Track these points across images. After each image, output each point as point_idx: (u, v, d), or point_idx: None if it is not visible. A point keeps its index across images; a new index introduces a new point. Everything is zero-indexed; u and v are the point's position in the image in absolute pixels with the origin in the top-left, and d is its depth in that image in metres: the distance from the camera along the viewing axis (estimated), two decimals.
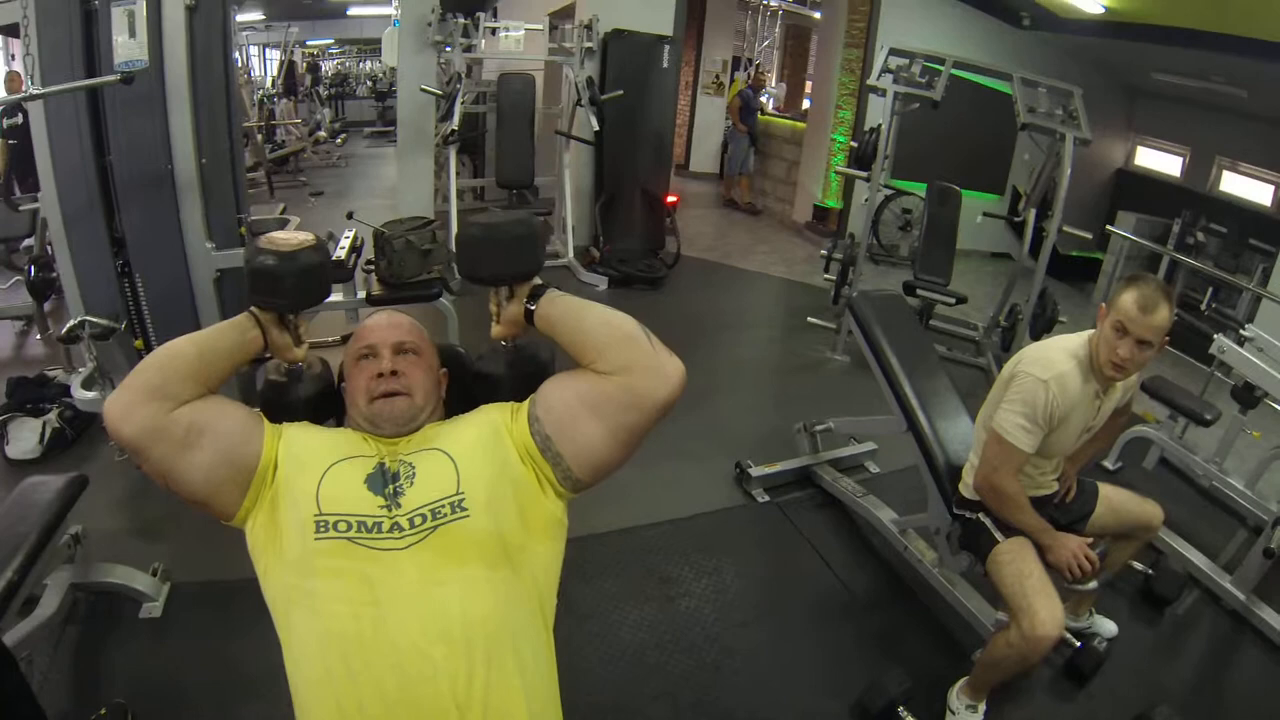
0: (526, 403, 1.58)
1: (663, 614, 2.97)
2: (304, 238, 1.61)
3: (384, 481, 1.43)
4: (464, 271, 1.69)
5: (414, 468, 1.46)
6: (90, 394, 3.49)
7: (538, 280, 1.66)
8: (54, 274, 4.89)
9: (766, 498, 3.76)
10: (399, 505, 1.39)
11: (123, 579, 2.81)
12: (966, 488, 2.69)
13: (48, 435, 3.80)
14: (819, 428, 3.87)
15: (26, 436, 3.78)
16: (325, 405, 1.75)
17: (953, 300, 5.61)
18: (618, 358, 1.46)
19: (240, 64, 12.13)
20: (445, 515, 1.39)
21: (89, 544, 2.77)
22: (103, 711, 2.32)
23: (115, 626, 2.77)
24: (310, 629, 1.33)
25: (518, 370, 1.75)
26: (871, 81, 5.30)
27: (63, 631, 2.68)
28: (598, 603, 2.96)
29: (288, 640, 1.37)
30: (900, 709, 2.50)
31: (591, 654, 2.72)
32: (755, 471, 3.77)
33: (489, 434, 1.53)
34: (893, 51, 5.31)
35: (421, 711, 1.26)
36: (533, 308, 1.60)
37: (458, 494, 1.41)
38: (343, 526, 1.36)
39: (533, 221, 1.72)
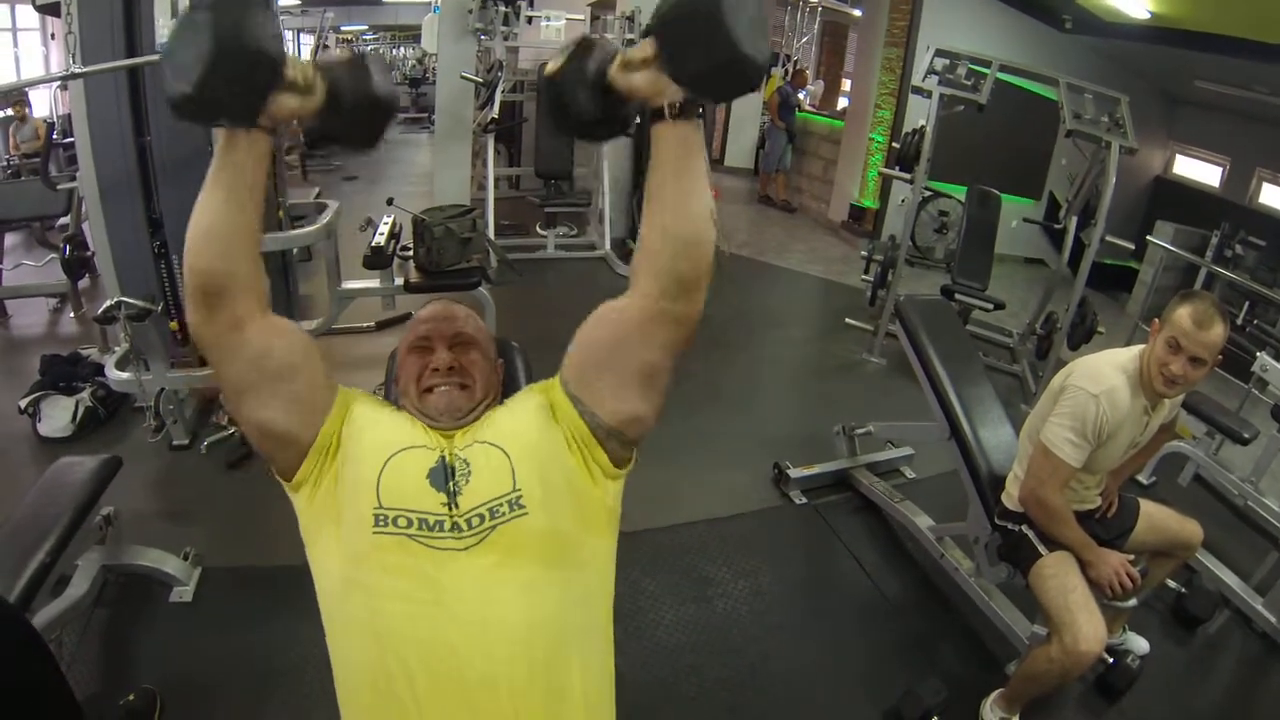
0: (558, 377, 1.50)
1: (700, 615, 2.97)
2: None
3: (445, 477, 1.38)
4: (668, 56, 1.22)
5: (469, 464, 1.40)
6: (124, 374, 3.51)
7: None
8: (88, 253, 4.96)
9: (804, 500, 3.75)
10: (458, 505, 1.35)
11: (154, 562, 2.83)
12: (1010, 499, 2.67)
13: (80, 414, 3.83)
14: (859, 431, 3.86)
15: (59, 415, 3.82)
16: (380, 114, 1.39)
17: (991, 306, 5.59)
18: (684, 257, 1.33)
19: None
20: (504, 514, 1.34)
21: (120, 526, 2.80)
22: (131, 696, 2.34)
23: (145, 610, 2.79)
24: (363, 623, 1.29)
25: (607, 106, 1.33)
26: (916, 82, 5.25)
27: (92, 613, 2.70)
28: (636, 601, 2.96)
29: (334, 629, 1.35)
30: (935, 718, 2.50)
31: (630, 653, 2.71)
32: (794, 473, 3.76)
33: (538, 421, 1.46)
34: (938, 53, 5.26)
35: (479, 713, 1.23)
36: (672, 116, 1.29)
37: (514, 491, 1.36)
38: (403, 523, 1.32)
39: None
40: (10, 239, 5.85)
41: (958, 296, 5.51)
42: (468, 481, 1.38)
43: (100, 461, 2.56)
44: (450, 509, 1.34)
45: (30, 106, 8.39)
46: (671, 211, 1.33)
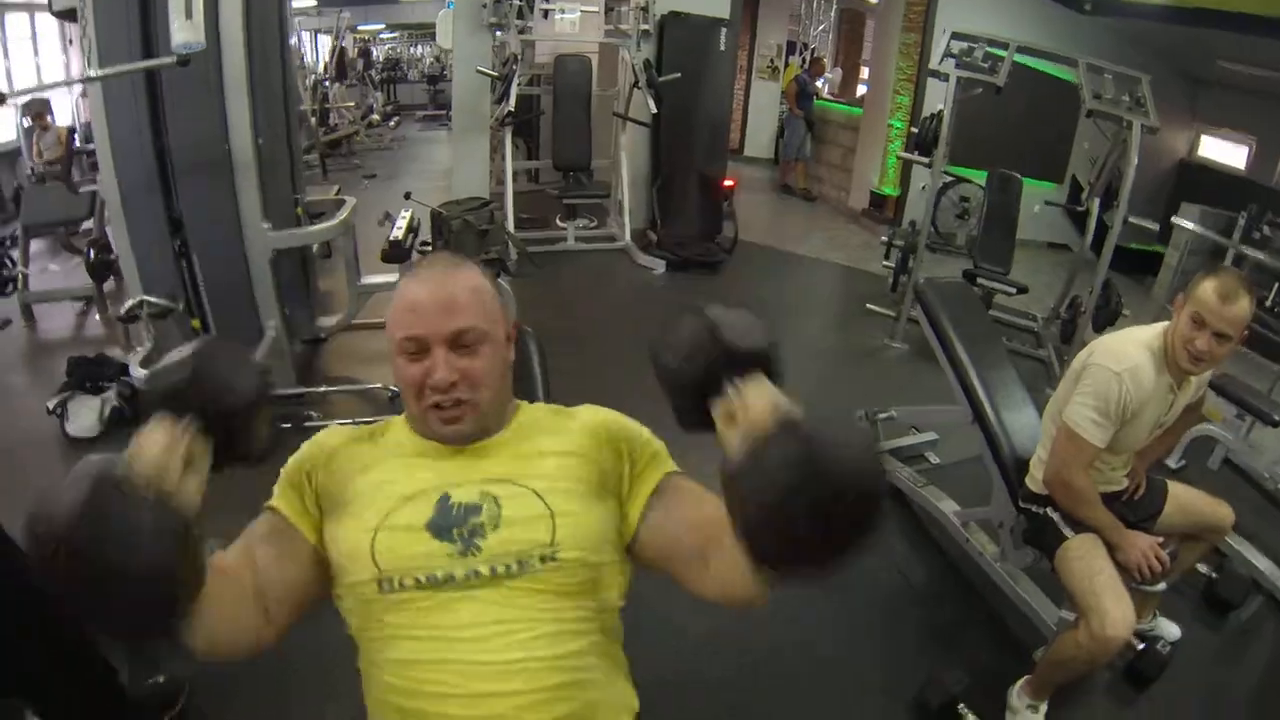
0: (650, 489, 1.43)
1: (715, 605, 2.91)
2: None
3: (450, 520, 1.30)
4: (758, 533, 1.03)
5: (499, 505, 1.31)
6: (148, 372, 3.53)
7: None
8: (113, 256, 5.02)
9: None
10: (478, 549, 1.27)
11: None
12: (1034, 481, 2.63)
13: (107, 413, 3.87)
14: (881, 416, 3.81)
15: (86, 414, 3.85)
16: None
17: (1013, 290, 5.55)
18: (736, 600, 1.30)
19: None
20: (534, 566, 1.28)
21: None
22: (161, 678, 2.39)
23: None
24: (382, 655, 1.28)
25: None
26: (934, 66, 5.22)
27: None
28: (645, 593, 2.88)
29: (363, 661, 1.34)
30: (960, 706, 2.47)
31: (638, 648, 2.65)
32: None
33: (594, 483, 1.39)
34: (955, 36, 5.21)
35: None
36: None
37: (551, 545, 1.29)
38: (409, 583, 1.26)
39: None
40: (36, 245, 5.92)
41: (980, 281, 5.48)
42: (495, 527, 1.29)
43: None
44: (466, 555, 1.27)
45: (52, 115, 8.50)
46: (732, 567, 1.22)
